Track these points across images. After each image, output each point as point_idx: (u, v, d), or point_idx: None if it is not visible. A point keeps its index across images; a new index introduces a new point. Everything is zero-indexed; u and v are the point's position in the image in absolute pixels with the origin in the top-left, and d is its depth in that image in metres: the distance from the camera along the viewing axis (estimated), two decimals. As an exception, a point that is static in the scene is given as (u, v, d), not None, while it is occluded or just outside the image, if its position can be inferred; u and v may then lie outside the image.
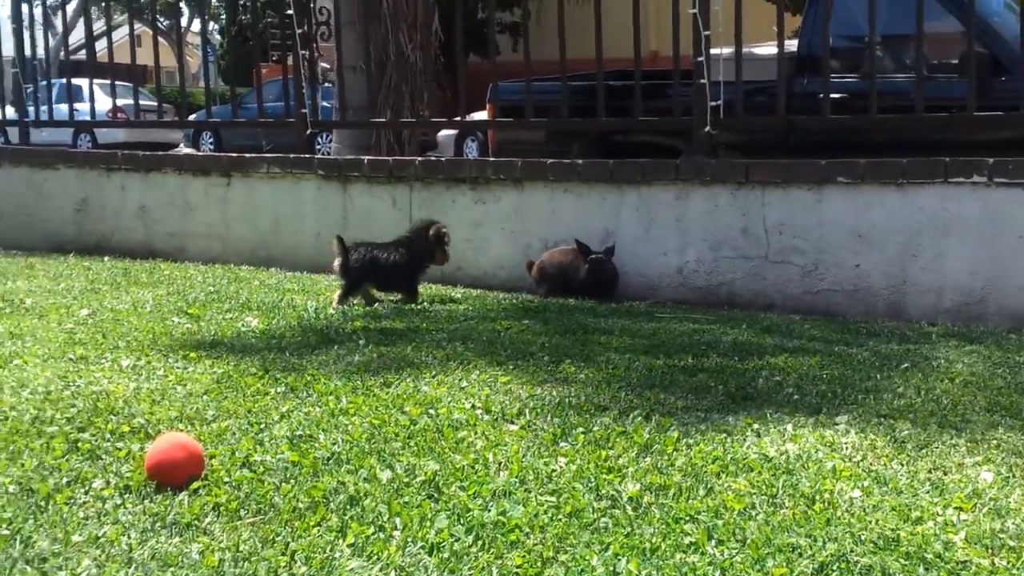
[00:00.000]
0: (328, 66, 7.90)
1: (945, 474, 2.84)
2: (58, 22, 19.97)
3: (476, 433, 3.22)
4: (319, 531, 2.50)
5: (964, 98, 5.78)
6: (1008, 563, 2.29)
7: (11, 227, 7.80)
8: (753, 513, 2.57)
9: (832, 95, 6.27)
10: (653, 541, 2.42)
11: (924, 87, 5.92)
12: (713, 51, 6.21)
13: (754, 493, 2.70)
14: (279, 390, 3.67)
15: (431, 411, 3.41)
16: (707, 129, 6.12)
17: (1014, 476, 2.82)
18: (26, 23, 8.24)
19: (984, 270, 5.36)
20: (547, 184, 6.22)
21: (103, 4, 9.18)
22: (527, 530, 2.49)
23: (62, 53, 10.67)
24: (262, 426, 3.26)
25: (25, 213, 7.79)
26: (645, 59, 6.66)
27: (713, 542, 2.42)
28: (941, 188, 5.42)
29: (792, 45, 7.46)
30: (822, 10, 6.55)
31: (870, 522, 2.50)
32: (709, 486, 2.75)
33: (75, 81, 9.89)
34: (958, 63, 6.79)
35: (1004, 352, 4.43)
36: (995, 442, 3.11)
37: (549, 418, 3.35)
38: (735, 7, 6.05)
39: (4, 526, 2.48)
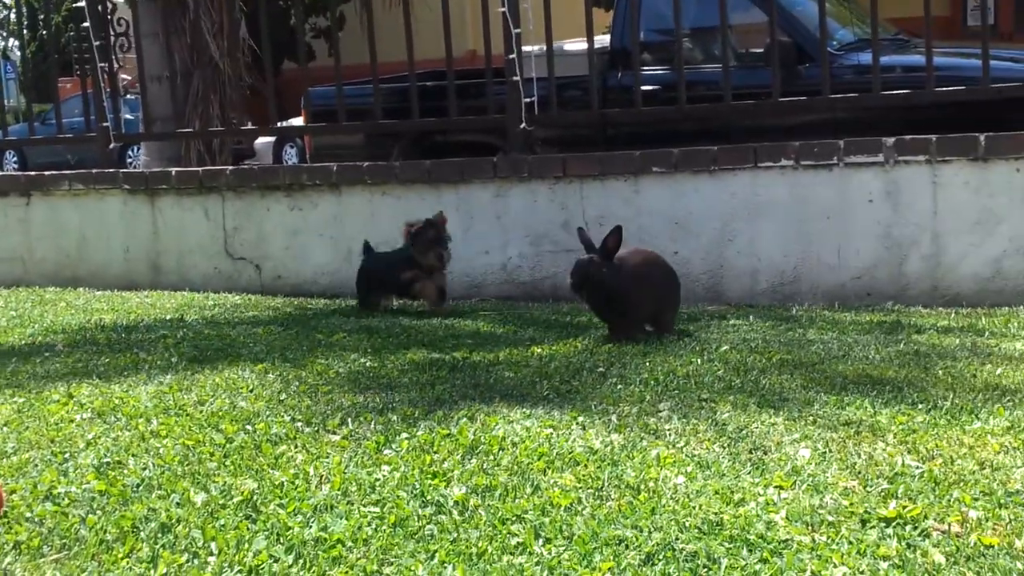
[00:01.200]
0: (131, 78, 7.60)
1: (765, 454, 2.87)
2: None
3: (296, 447, 3.11)
4: (128, 563, 2.36)
5: (770, 86, 5.93)
6: (828, 538, 2.32)
7: None
8: (579, 508, 2.54)
9: (645, 87, 6.35)
10: (480, 545, 2.36)
11: (732, 76, 6.05)
12: (526, 48, 6.22)
13: (580, 487, 2.67)
14: (85, 416, 3.47)
15: (248, 427, 3.28)
16: (522, 126, 6.12)
17: (830, 451, 2.87)
18: None
19: (795, 251, 5.51)
20: (365, 187, 6.12)
21: None
22: (350, 544, 2.40)
23: None
24: (66, 455, 3.07)
25: None
26: (463, 58, 6.64)
27: (540, 541, 2.37)
28: (752, 173, 5.55)
29: (604, 40, 7.56)
30: (631, 5, 6.64)
31: (694, 508, 2.50)
32: (536, 484, 2.71)
33: None
34: (763, 52, 6.98)
35: (817, 329, 4.55)
36: (811, 418, 3.17)
37: (372, 425, 3.26)
38: (544, 4, 6.07)
39: None
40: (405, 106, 6.54)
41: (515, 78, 6.09)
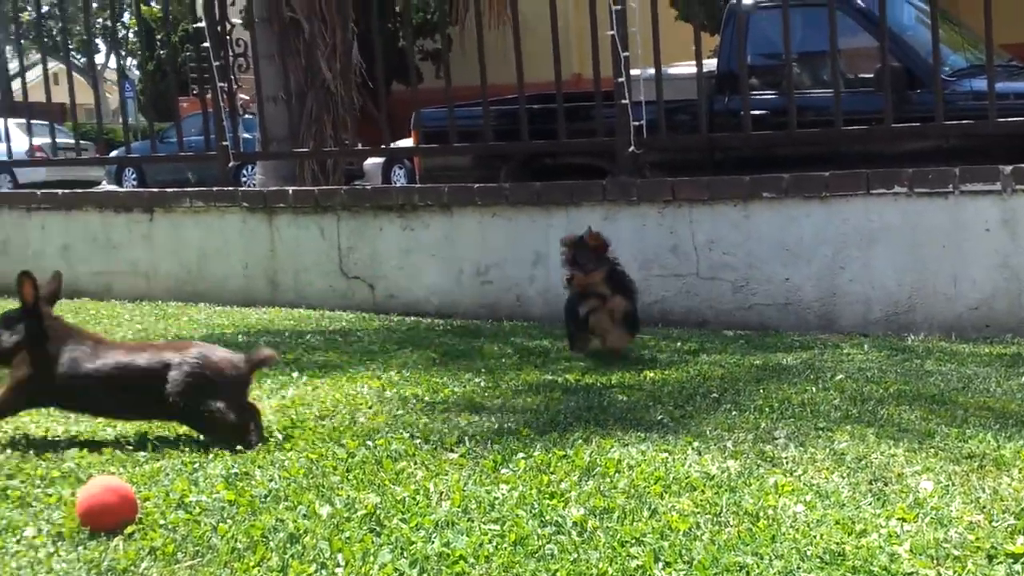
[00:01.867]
0: (248, 98, 7.82)
1: (886, 485, 2.86)
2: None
3: (416, 463, 3.18)
4: (259, 571, 2.44)
5: (881, 111, 5.88)
6: (954, 573, 2.31)
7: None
8: (698, 533, 2.56)
9: (752, 112, 6.34)
10: (600, 566, 2.40)
11: (842, 101, 6.01)
12: (633, 71, 6.26)
13: (698, 512, 2.69)
14: (212, 428, 3.59)
15: (369, 443, 3.36)
16: (631, 149, 6.15)
17: (953, 484, 2.85)
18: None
19: (909, 279, 5.44)
20: (476, 209, 6.20)
21: (15, 43, 8.98)
22: (472, 560, 2.45)
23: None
24: (196, 465, 3.18)
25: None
26: (569, 81, 6.70)
27: (660, 564, 2.40)
28: (864, 200, 5.50)
29: (711, 64, 7.57)
30: (738, 30, 6.64)
31: (815, 537, 2.51)
32: (653, 507, 2.74)
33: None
34: (873, 77, 6.92)
35: (935, 360, 4.49)
36: (932, 450, 3.14)
37: (489, 445, 3.32)
38: (652, 28, 6.10)
39: (-70, 581, 2.40)
40: (513, 128, 6.62)
41: (624, 101, 6.12)
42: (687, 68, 7.11)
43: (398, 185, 9.83)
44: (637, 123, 6.16)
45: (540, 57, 6.58)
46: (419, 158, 8.86)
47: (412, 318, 6.13)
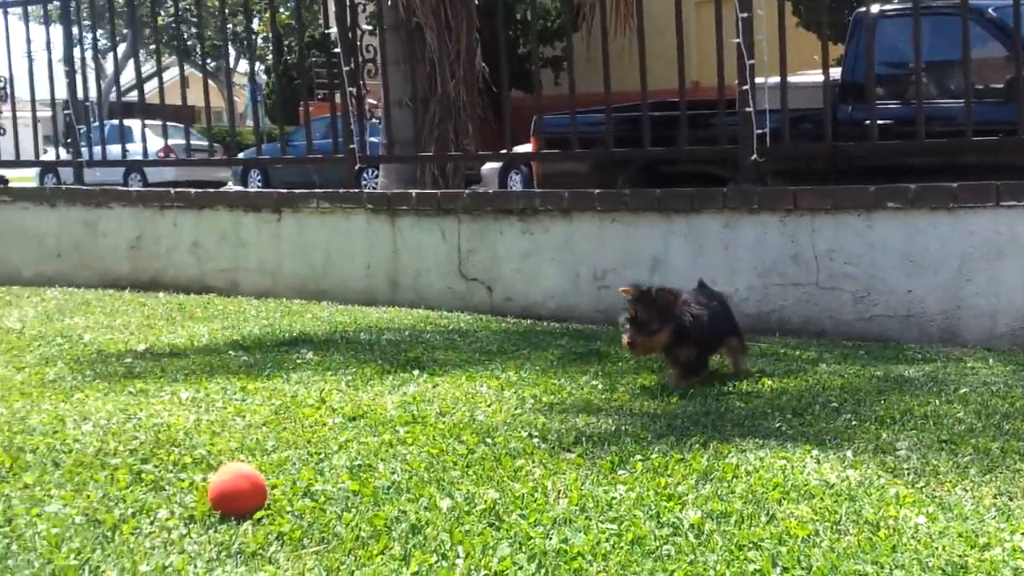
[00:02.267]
0: (375, 102, 7.99)
1: (1011, 500, 2.81)
2: (108, 65, 20.32)
3: (534, 461, 3.23)
4: (382, 559, 2.51)
5: (1012, 122, 5.74)
6: (1080, 587, 2.27)
7: (68, 265, 7.92)
8: (817, 540, 2.56)
9: (878, 121, 6.25)
10: (717, 568, 2.41)
11: (971, 111, 5.89)
12: (757, 80, 6.23)
13: (817, 520, 2.68)
14: (336, 421, 3.70)
15: (488, 440, 3.43)
16: (754, 157, 6.12)
17: (1081, 500, 2.79)
18: (77, 66, 8.40)
19: (1040, 294, 5.30)
20: (595, 214, 6.23)
21: (152, 47, 9.32)
22: (589, 558, 2.49)
23: (113, 95, 10.87)
24: (321, 456, 3.28)
25: (80, 251, 7.91)
26: (687, 89, 6.68)
27: (778, 569, 2.40)
28: (993, 212, 5.38)
29: (835, 73, 7.48)
30: (865, 38, 6.55)
31: (937, 548, 2.48)
32: (771, 513, 2.74)
33: (126, 122, 10.05)
34: (1004, 87, 6.76)
35: (1063, 376, 4.38)
36: (1059, 466, 3.07)
37: (606, 446, 3.36)
38: (779, 36, 6.06)
39: (73, 556, 2.52)
40: (632, 135, 6.65)
41: (748, 109, 6.09)
42: (808, 77, 7.04)
43: (517, 189, 9.92)
44: (760, 131, 6.12)
45: (658, 64, 6.56)
46: (537, 164, 8.94)
47: (529, 321, 6.19)
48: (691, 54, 16.22)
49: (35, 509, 2.81)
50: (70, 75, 8.42)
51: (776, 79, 6.16)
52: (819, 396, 3.97)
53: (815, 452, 3.23)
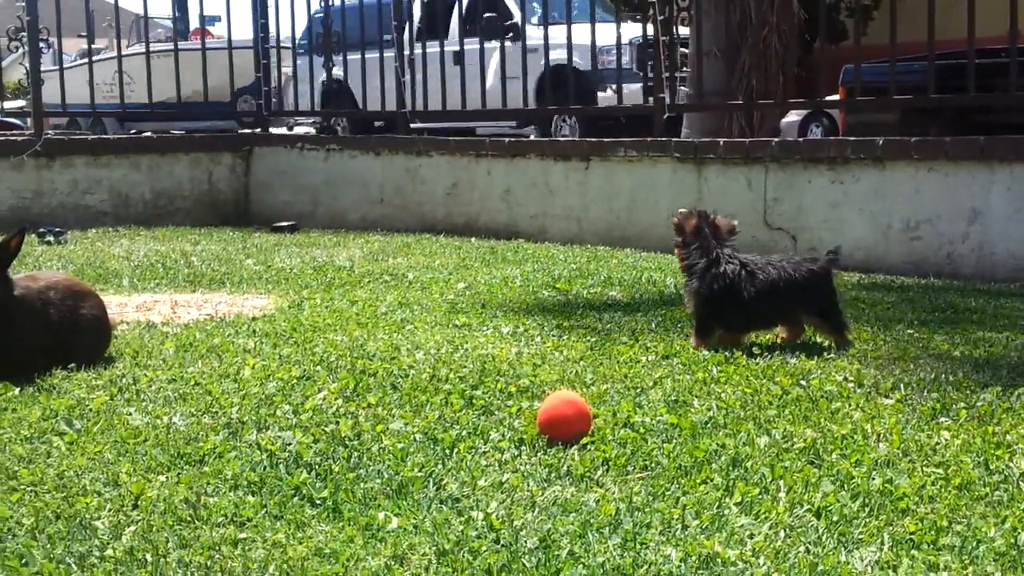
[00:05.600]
0: (685, 51, 8.00)
1: None
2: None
3: (851, 405, 3.22)
4: (705, 488, 2.60)
5: None
6: None
7: (389, 210, 8.43)
8: None
9: None
10: (1052, 517, 2.36)
11: None
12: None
13: None
14: (650, 358, 3.81)
15: (803, 382, 3.44)
16: (1091, 101, 5.74)
17: None
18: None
19: None
20: (910, 163, 6.03)
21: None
22: (915, 499, 2.48)
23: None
24: (638, 390, 3.40)
25: (402, 197, 8.39)
26: (998, 38, 6.34)
27: (1119, 521, 2.32)
28: None
29: None
30: None
31: None
32: (1110, 467, 2.63)
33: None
34: None
35: None
36: None
37: (926, 392, 3.31)
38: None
39: (417, 469, 2.73)
40: (947, 85, 6.38)
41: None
42: None
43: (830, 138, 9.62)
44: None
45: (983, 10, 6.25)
46: (843, 114, 8.71)
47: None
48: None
49: (380, 426, 3.06)
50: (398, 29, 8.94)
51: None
52: None
53: None
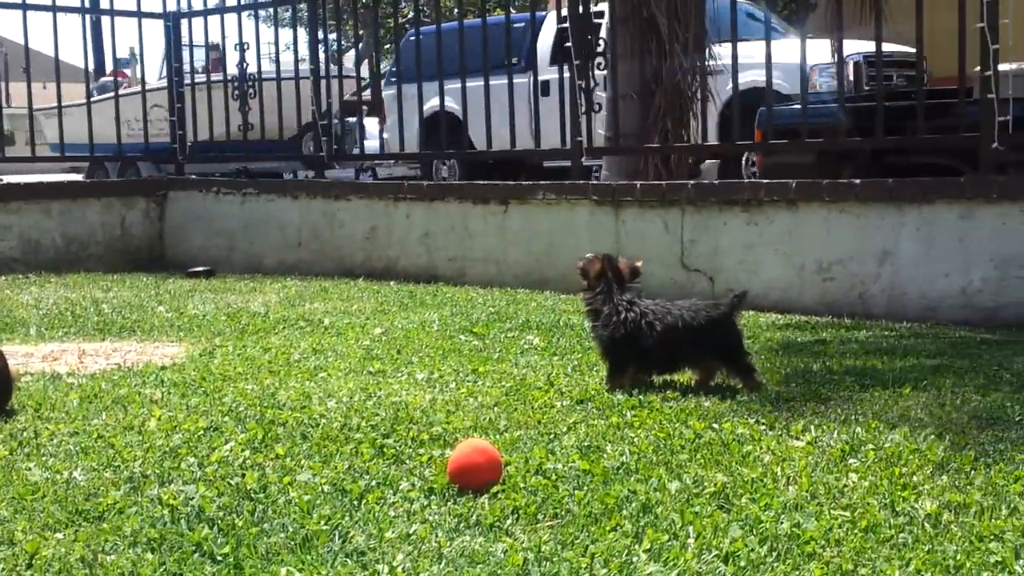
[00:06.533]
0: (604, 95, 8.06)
1: None
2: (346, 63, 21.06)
3: (762, 447, 3.23)
4: (615, 536, 2.57)
5: None
6: None
7: (307, 254, 8.34)
8: (1063, 535, 2.48)
9: None
10: (957, 559, 2.37)
11: None
12: (1001, 66, 5.99)
13: (1062, 515, 2.60)
14: (564, 403, 3.79)
15: (715, 425, 3.45)
16: (995, 145, 5.88)
17: None
18: (321, 67, 8.81)
19: None
20: (822, 204, 6.13)
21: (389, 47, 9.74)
22: (822, 543, 2.49)
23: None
24: (551, 436, 3.38)
25: (320, 241, 8.32)
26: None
27: (1022, 562, 2.34)
28: None
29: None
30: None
31: None
32: (1013, 506, 2.66)
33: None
34: None
35: None
36: None
37: (835, 434, 3.33)
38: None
39: (323, 522, 2.67)
40: (859, 126, 6.51)
41: (991, 96, 5.86)
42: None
43: (744, 180, 9.68)
44: (1003, 119, 5.88)
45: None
46: (760, 156, 8.84)
47: (751, 312, 6.13)
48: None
49: (287, 478, 3.00)
50: (314, 74, 8.86)
51: (1019, 64, 5.92)
52: (1064, 392, 3.81)
53: (1060, 447, 3.11)
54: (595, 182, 7.34)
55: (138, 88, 10.58)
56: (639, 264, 4.21)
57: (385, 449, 3.25)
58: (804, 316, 5.92)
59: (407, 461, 3.16)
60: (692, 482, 2.92)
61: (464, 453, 2.99)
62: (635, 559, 2.43)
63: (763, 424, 3.48)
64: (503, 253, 7.34)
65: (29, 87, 8.54)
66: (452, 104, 9.11)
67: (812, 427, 3.41)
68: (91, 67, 10.38)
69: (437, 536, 2.58)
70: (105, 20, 9.74)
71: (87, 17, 9.26)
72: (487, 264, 7.40)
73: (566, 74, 7.46)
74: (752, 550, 2.46)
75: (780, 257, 6.29)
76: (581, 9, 7.38)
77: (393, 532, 2.61)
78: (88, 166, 15.19)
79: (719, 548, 2.47)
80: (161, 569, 2.39)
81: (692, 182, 6.85)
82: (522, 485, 2.92)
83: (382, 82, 12.02)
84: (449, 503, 2.81)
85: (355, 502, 2.83)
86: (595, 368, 4.34)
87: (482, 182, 7.81)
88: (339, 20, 10.10)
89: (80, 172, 16.17)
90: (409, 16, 11.96)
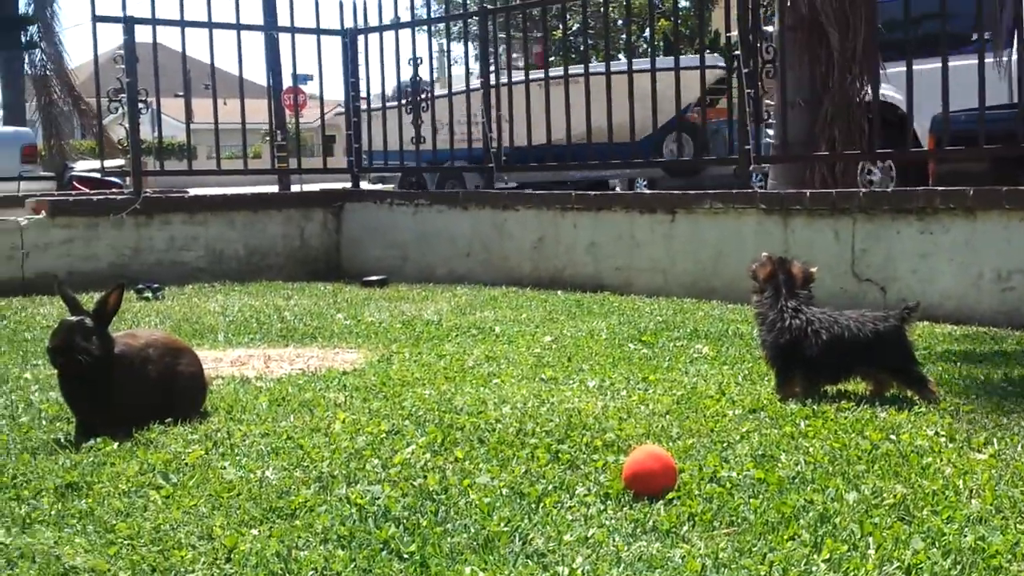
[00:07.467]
0: (770, 102, 8.00)
1: None
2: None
3: (942, 460, 3.18)
4: (793, 545, 2.58)
5: None
6: None
7: (476, 264, 8.51)
8: None
9: None
10: None
11: None
12: None
13: None
14: (736, 412, 3.80)
15: (892, 436, 3.41)
16: None
17: None
18: (492, 80, 8.96)
19: None
20: (1002, 212, 5.95)
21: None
22: (1008, 557, 2.45)
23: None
24: (724, 445, 3.39)
25: (488, 251, 8.48)
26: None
27: None
28: None
29: None
30: None
31: None
32: None
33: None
34: None
35: None
36: None
37: (1020, 447, 3.25)
38: None
39: (503, 523, 2.75)
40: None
41: None
42: None
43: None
44: None
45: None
46: (933, 163, 8.61)
47: (924, 323, 5.99)
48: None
49: (467, 480, 3.09)
50: (484, 86, 9.04)
51: None
52: None
53: None
54: (763, 191, 7.28)
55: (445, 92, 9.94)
56: (814, 270, 4.17)
57: (560, 454, 3.32)
58: (982, 327, 5.76)
59: (582, 466, 3.22)
60: (871, 493, 2.90)
61: (640, 459, 3.03)
62: (814, 568, 2.44)
63: (943, 436, 3.42)
64: (670, 262, 7.35)
65: (215, 103, 8.93)
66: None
67: (995, 440, 3.34)
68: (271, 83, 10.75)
69: (615, 540, 2.63)
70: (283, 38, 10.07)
71: (268, 35, 9.61)
72: (653, 273, 7.42)
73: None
74: (935, 563, 2.44)
75: (956, 266, 6.13)
76: (751, 17, 7.36)
77: (571, 535, 2.67)
78: (400, 177, 14.60)
79: (900, 560, 2.46)
80: (352, 565, 2.51)
81: (864, 191, 6.73)
82: (697, 492, 2.95)
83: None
84: (625, 508, 2.86)
85: (533, 505, 2.90)
86: (766, 378, 4.32)
87: (648, 191, 7.82)
88: (508, 32, 10.21)
89: (391, 182, 15.59)
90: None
